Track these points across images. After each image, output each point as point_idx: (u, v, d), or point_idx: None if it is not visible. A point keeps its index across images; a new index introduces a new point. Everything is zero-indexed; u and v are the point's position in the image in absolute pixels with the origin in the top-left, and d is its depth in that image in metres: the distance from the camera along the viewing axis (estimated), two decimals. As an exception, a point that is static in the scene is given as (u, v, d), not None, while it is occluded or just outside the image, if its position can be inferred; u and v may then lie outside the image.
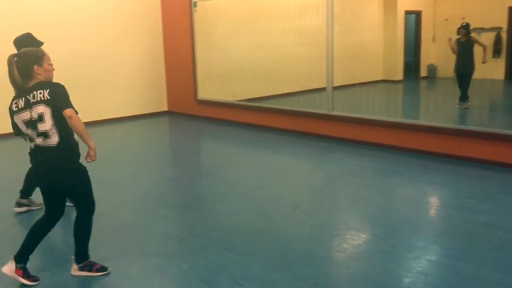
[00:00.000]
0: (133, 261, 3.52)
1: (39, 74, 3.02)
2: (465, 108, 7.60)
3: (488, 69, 8.75)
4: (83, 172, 3.20)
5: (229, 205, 4.70)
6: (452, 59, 7.90)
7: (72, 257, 3.31)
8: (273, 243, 3.77)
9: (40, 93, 2.97)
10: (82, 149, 3.23)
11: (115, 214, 4.49)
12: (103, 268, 3.32)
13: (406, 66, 10.22)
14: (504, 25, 8.96)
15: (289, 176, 5.70)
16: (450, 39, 7.79)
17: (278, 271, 3.30)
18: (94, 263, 3.32)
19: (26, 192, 4.54)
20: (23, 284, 3.15)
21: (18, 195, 4.55)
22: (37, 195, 4.64)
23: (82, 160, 3.23)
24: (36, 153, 3.08)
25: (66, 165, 3.09)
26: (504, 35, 9.04)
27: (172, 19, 9.72)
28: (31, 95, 2.98)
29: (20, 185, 4.56)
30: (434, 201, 4.88)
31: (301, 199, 4.86)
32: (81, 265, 3.29)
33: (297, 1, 7.64)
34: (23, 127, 3.03)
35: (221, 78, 9.09)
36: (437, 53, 9.90)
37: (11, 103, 3.05)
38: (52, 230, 3.32)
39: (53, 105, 2.98)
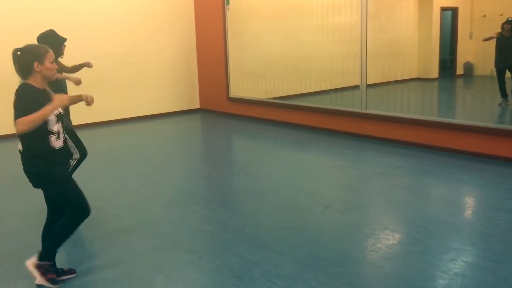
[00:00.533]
0: (167, 256, 3.56)
1: (39, 72, 2.92)
2: (506, 105, 7.40)
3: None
4: (49, 175, 3.00)
5: (261, 202, 4.70)
6: (490, 57, 7.69)
7: (39, 250, 3.18)
8: (305, 241, 3.76)
9: (14, 95, 2.88)
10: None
11: (148, 209, 4.56)
12: (53, 281, 3.10)
13: (442, 64, 10.00)
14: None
15: (321, 174, 5.66)
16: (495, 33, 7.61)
17: (311, 269, 3.28)
18: (51, 271, 3.12)
19: None
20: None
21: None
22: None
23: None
24: None
25: (31, 169, 3.00)
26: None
27: (205, 17, 9.79)
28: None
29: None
30: (470, 202, 4.77)
31: (333, 198, 4.82)
32: (40, 262, 3.09)
33: (330, -2, 7.58)
34: None
35: (253, 76, 9.11)
36: (474, 50, 9.65)
37: None
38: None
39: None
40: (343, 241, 3.76)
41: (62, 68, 4.72)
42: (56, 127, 2.95)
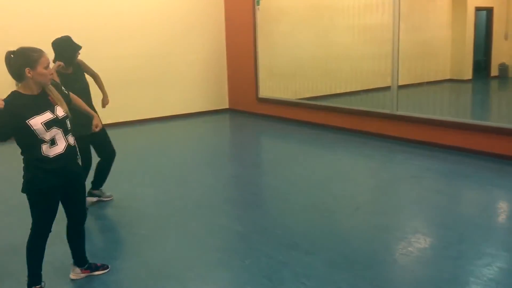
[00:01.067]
0: (197, 255, 3.59)
1: (31, 78, 2.75)
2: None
3: None
4: (26, 187, 2.87)
5: (290, 203, 4.69)
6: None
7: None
8: (335, 242, 3.73)
9: None
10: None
11: (178, 208, 4.61)
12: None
13: (476, 65, 9.77)
14: None
15: (351, 176, 5.62)
16: None
17: (341, 271, 3.26)
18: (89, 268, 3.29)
19: (97, 184, 4.75)
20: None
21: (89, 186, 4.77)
22: (109, 188, 4.85)
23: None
24: None
25: (24, 176, 2.91)
26: None
27: (235, 17, 9.83)
28: None
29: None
30: (505, 206, 4.65)
31: (364, 200, 4.77)
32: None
33: (362, -2, 7.50)
34: None
35: (282, 76, 9.09)
36: (510, 51, 9.40)
37: None
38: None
39: None
40: (374, 243, 3.72)
41: (87, 71, 4.67)
42: (48, 135, 2.77)
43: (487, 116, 7.61)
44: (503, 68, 9.71)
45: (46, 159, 2.80)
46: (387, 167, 6.03)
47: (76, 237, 3.23)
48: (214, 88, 10.25)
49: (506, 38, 9.43)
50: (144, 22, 9.07)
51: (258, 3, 9.13)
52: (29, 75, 2.74)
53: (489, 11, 10.00)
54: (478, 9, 9.82)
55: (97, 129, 3.32)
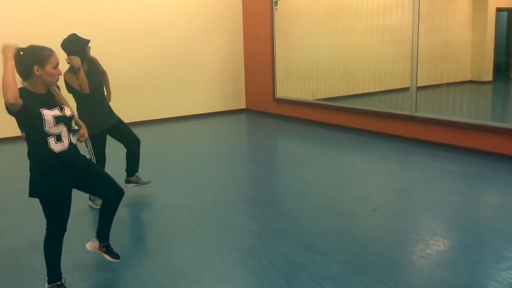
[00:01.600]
0: (214, 254, 3.61)
1: (39, 76, 2.78)
2: None
3: None
4: (35, 186, 2.89)
5: (307, 204, 4.69)
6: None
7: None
8: (352, 244, 3.72)
9: None
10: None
11: (195, 207, 4.64)
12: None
13: (496, 67, 9.63)
14: None
15: (368, 177, 5.59)
16: None
17: (357, 272, 3.25)
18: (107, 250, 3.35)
19: (130, 171, 4.90)
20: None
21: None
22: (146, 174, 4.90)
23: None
24: None
25: (31, 179, 2.91)
26: None
27: (253, 18, 9.85)
28: None
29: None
30: (526, 210, 4.58)
31: (381, 201, 4.74)
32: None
33: (381, 0, 7.46)
34: None
35: (300, 77, 9.08)
36: (531, 53, 9.25)
37: None
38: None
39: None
40: (391, 245, 3.69)
41: (98, 67, 4.71)
42: (55, 129, 2.80)
43: (507, 118, 7.51)
44: (524, 69, 9.56)
45: (52, 153, 2.82)
46: (405, 169, 5.98)
47: (107, 214, 3.26)
48: (231, 88, 10.28)
49: (527, 39, 9.28)
50: (163, 24, 9.13)
51: (276, 4, 9.14)
52: (37, 73, 2.76)
53: (510, 12, 9.87)
54: (499, 10, 9.68)
55: (82, 139, 3.22)
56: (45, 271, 3.04)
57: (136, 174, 4.94)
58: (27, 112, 2.73)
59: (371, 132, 7.55)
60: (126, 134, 4.78)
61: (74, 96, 4.28)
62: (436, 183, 5.20)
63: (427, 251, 3.55)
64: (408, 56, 6.85)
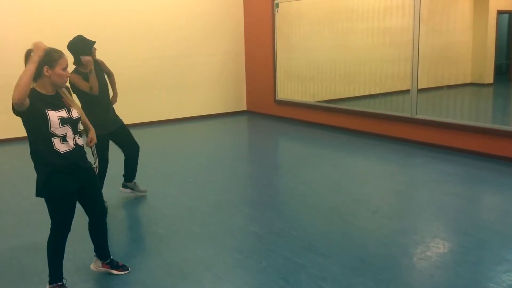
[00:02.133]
0: (214, 255, 3.62)
1: (48, 77, 2.80)
2: None
3: None
4: (41, 186, 2.90)
5: (307, 205, 4.69)
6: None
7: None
8: (352, 246, 3.72)
9: None
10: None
11: (195, 208, 4.64)
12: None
13: (497, 69, 9.63)
14: None
15: (369, 179, 5.59)
16: None
17: (358, 274, 3.25)
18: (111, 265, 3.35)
19: (127, 176, 4.92)
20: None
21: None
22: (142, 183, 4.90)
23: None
24: None
25: (37, 178, 2.94)
26: None
27: (254, 20, 9.86)
28: None
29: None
30: (526, 213, 4.58)
31: (381, 203, 4.74)
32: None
33: (382, 2, 7.46)
34: None
35: (301, 79, 9.09)
36: (532, 55, 9.25)
37: None
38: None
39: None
40: (392, 247, 3.70)
41: (104, 69, 4.73)
42: (60, 130, 2.82)
43: (508, 121, 7.50)
44: (525, 72, 9.55)
45: (57, 153, 2.83)
46: (406, 171, 5.99)
47: (98, 233, 3.28)
48: (232, 90, 10.30)
49: (528, 41, 9.28)
50: (164, 26, 9.15)
51: (277, 6, 9.15)
52: (47, 73, 2.79)
53: (511, 14, 9.87)
54: (500, 12, 9.68)
55: (91, 144, 3.28)
56: (46, 272, 3.05)
57: (134, 180, 4.95)
58: (32, 112, 2.74)
59: (372, 134, 7.55)
60: (127, 139, 4.77)
61: (78, 97, 4.29)
62: (436, 185, 5.21)
63: (428, 253, 3.56)
64: (408, 58, 6.86)
